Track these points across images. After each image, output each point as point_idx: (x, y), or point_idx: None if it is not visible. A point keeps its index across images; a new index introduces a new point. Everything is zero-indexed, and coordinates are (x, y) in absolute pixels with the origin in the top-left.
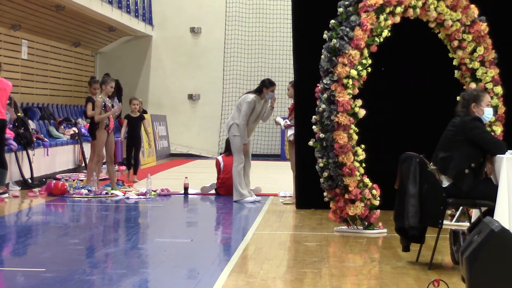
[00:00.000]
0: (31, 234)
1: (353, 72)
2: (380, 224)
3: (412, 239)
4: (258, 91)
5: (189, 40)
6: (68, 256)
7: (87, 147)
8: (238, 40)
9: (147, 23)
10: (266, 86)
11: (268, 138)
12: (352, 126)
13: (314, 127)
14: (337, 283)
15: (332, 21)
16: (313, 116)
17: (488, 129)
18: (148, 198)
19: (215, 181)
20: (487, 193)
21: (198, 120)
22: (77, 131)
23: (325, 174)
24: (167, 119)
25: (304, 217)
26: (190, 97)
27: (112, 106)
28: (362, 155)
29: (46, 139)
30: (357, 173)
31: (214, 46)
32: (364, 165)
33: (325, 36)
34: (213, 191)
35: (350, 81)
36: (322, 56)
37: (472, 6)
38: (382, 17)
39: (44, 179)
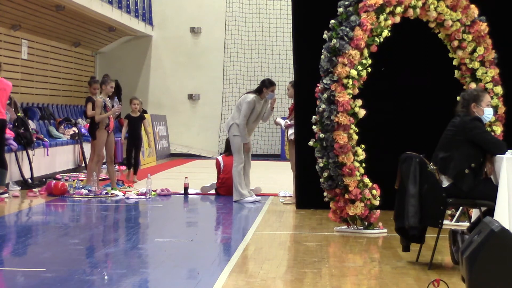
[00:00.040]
0: (31, 234)
1: (353, 72)
2: (380, 224)
3: (412, 239)
4: (258, 91)
5: (189, 40)
6: (68, 256)
7: (87, 147)
8: (238, 40)
9: (147, 23)
10: (266, 86)
11: (268, 138)
12: (352, 126)
13: (314, 127)
14: (337, 283)
15: (332, 21)
16: (313, 116)
17: (488, 129)
18: (148, 198)
19: (215, 181)
20: (487, 193)
21: (198, 120)
22: (77, 131)
23: (325, 174)
24: (167, 119)
25: (304, 217)
26: (190, 97)
27: (112, 106)
28: (362, 155)
29: (46, 139)
30: (357, 173)
31: (214, 46)
32: (364, 165)
33: (325, 36)
34: (213, 191)
35: (350, 81)
36: (322, 56)
37: (472, 6)
38: (382, 17)
39: (44, 179)
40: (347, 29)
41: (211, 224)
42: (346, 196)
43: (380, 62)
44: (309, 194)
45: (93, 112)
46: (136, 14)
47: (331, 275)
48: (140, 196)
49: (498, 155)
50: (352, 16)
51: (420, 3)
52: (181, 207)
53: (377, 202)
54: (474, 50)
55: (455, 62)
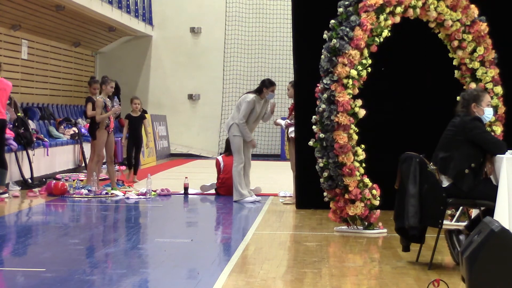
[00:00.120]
0: (31, 234)
1: (353, 72)
2: (380, 224)
3: (412, 239)
4: (258, 91)
5: (189, 40)
6: (68, 256)
7: (87, 147)
8: (238, 40)
9: (147, 23)
10: (266, 86)
11: (268, 138)
12: (352, 126)
13: (314, 127)
14: (337, 283)
15: (332, 21)
16: (313, 116)
17: (488, 129)
18: (148, 198)
19: (215, 181)
20: (487, 193)
21: (198, 120)
22: (77, 131)
23: (325, 174)
24: (167, 119)
25: (304, 217)
26: (190, 97)
27: (113, 106)
28: (362, 155)
29: (46, 139)
30: (357, 173)
31: (214, 46)
32: (364, 165)
33: (325, 36)
34: (213, 191)
35: (350, 81)
36: (322, 56)
37: (472, 6)
38: (382, 17)
39: (44, 179)
40: (347, 29)
41: (211, 224)
42: (346, 196)
43: (380, 62)
44: (309, 194)
45: (93, 112)
46: (136, 14)
47: (331, 275)
48: (140, 196)
49: (498, 155)
50: (352, 16)
51: (420, 3)
52: (181, 207)
53: (377, 202)
54: (474, 50)
55: (455, 62)
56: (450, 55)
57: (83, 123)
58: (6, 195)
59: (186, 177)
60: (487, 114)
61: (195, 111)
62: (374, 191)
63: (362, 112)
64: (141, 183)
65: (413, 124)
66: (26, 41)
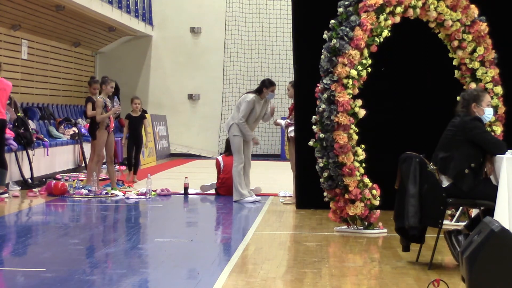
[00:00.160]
0: (31, 234)
1: (353, 72)
2: (380, 224)
3: (412, 239)
4: (258, 91)
5: (189, 40)
6: (68, 256)
7: (87, 147)
8: (238, 40)
9: (147, 23)
10: (266, 86)
11: (268, 138)
12: (352, 126)
13: (314, 127)
14: (337, 283)
15: (332, 21)
16: (313, 116)
17: (488, 129)
18: (148, 198)
19: (215, 181)
20: (487, 193)
21: (198, 120)
22: (77, 131)
23: (325, 174)
24: (167, 119)
25: (304, 217)
26: (190, 97)
27: (113, 106)
28: (362, 155)
29: (46, 139)
30: (357, 173)
31: (214, 46)
32: (364, 165)
33: (325, 36)
34: (213, 191)
35: (350, 81)
36: (322, 56)
37: (472, 6)
38: (382, 17)
39: (44, 179)
40: (347, 29)
41: (211, 224)
42: (346, 196)
43: (380, 62)
44: (309, 194)
45: (93, 112)
46: (136, 14)
47: (331, 275)
48: (140, 196)
49: (498, 155)
50: (352, 16)
51: (420, 3)
52: (181, 207)
53: (377, 202)
54: (474, 50)
55: (455, 62)
56: (450, 55)
57: (83, 123)
58: (6, 195)
59: (186, 177)
60: (487, 114)
61: (195, 111)
62: (374, 191)
63: (362, 112)
64: (141, 183)
65: (413, 124)
66: (26, 41)
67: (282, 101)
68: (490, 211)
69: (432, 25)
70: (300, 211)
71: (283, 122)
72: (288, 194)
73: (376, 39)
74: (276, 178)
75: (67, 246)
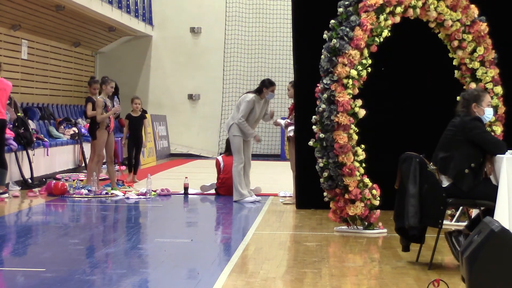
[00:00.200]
0: (31, 234)
1: (353, 72)
2: (380, 224)
3: (412, 239)
4: (258, 91)
5: (189, 40)
6: (68, 256)
7: (87, 147)
8: (238, 40)
9: (147, 23)
10: (266, 86)
11: (268, 138)
12: (352, 126)
13: (314, 127)
14: (337, 283)
15: (332, 21)
16: (313, 116)
17: (488, 129)
18: (148, 198)
19: (215, 181)
20: (487, 193)
21: (198, 120)
22: (77, 131)
23: (325, 174)
24: (167, 119)
25: (304, 217)
26: (190, 97)
27: (113, 105)
28: (362, 155)
29: (46, 139)
30: (357, 173)
31: (214, 46)
32: (364, 165)
33: (325, 36)
34: (213, 191)
35: (350, 81)
36: (322, 56)
37: (472, 6)
38: (382, 17)
39: (44, 179)
40: (347, 29)
41: (211, 224)
42: (346, 196)
43: (380, 62)
44: (309, 194)
45: (93, 112)
46: (136, 14)
47: (331, 275)
48: (140, 196)
49: (498, 155)
50: (352, 16)
51: (420, 3)
52: (181, 207)
53: (377, 202)
54: (474, 50)
55: (455, 62)
56: (450, 55)
57: (83, 123)
58: (6, 195)
59: (186, 177)
60: (487, 114)
61: (195, 111)
62: (374, 191)
63: (362, 112)
64: (141, 183)
65: (413, 124)
66: (26, 41)
67: (282, 101)
68: (490, 211)
69: (432, 25)
70: (300, 211)
71: (283, 122)
72: (288, 194)
73: (376, 39)
74: (276, 178)
75: (67, 246)
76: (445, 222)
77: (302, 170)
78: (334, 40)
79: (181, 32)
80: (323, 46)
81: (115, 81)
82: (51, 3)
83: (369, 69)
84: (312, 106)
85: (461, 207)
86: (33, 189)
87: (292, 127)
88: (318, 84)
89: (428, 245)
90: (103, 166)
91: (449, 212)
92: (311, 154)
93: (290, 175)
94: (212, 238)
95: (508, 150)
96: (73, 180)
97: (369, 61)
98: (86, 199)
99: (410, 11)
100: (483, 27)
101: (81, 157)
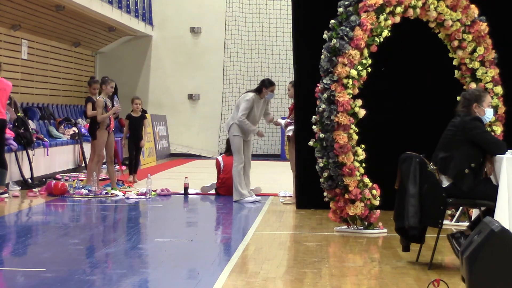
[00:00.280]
0: (31, 234)
1: (353, 72)
2: (380, 224)
3: (412, 239)
4: (258, 90)
5: (189, 40)
6: (68, 256)
7: (87, 147)
8: (238, 40)
9: (147, 23)
10: (265, 86)
11: (268, 138)
12: (352, 126)
13: (314, 127)
14: (337, 283)
15: (332, 21)
16: (313, 116)
17: (488, 129)
18: (148, 198)
19: (215, 181)
20: (487, 193)
21: (198, 120)
22: (77, 131)
23: (325, 174)
24: (167, 119)
25: (304, 217)
26: (190, 97)
27: (113, 105)
28: (362, 155)
29: (46, 139)
30: (357, 173)
31: (214, 46)
32: (364, 165)
33: (325, 36)
34: (213, 191)
35: (350, 81)
36: (322, 56)
37: (472, 6)
38: (382, 17)
39: (44, 179)
40: (347, 29)
41: (211, 224)
42: (346, 196)
43: (380, 62)
44: (309, 194)
45: (93, 112)
46: (136, 14)
47: (331, 275)
48: (140, 196)
49: (498, 155)
50: (352, 16)
51: (420, 3)
52: (181, 207)
53: (377, 202)
54: (474, 50)
55: (455, 62)
56: (450, 55)
57: (83, 123)
58: (6, 195)
59: (186, 177)
60: (488, 114)
61: (195, 111)
62: (374, 191)
63: (362, 112)
64: (141, 183)
65: (413, 124)
66: (26, 41)
67: (282, 101)
68: (490, 211)
69: (432, 25)
70: (300, 211)
71: (283, 122)
72: (288, 194)
73: (376, 39)
74: (276, 178)
75: (67, 246)
76: (445, 222)
77: (302, 170)
78: (334, 40)
79: (181, 32)
80: (323, 46)
81: (115, 81)
82: (51, 3)
83: (369, 69)
84: (312, 106)
85: (461, 207)
86: (33, 189)
87: (291, 127)
88: (318, 84)
89: (428, 245)
90: (103, 166)
91: (449, 212)
92: (311, 154)
93: (290, 175)
94: (212, 238)
95: (508, 150)
96: (73, 180)
97: (369, 61)
98: (86, 199)
99: (410, 11)
100: (483, 27)
101: (81, 157)
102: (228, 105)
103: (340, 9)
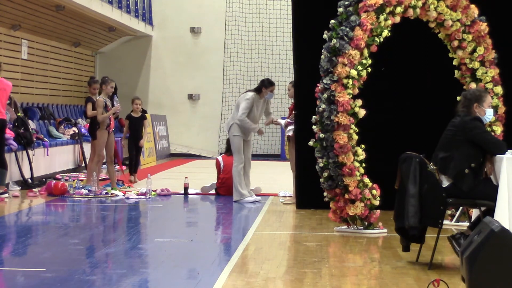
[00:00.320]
0: (31, 234)
1: (353, 72)
2: (380, 224)
3: (412, 239)
4: (258, 90)
5: (189, 40)
6: (68, 256)
7: (87, 147)
8: (238, 40)
9: (147, 23)
10: (265, 86)
11: (268, 138)
12: (352, 126)
13: (314, 127)
14: (337, 283)
15: (332, 21)
16: (313, 116)
17: (488, 129)
18: (148, 198)
19: (215, 181)
20: (487, 193)
21: (198, 120)
22: (77, 131)
23: (325, 174)
24: (167, 119)
25: (304, 217)
26: (190, 97)
27: (113, 105)
28: (362, 155)
29: (46, 139)
30: (357, 173)
31: (214, 46)
32: (364, 165)
33: (325, 36)
34: (213, 191)
35: (350, 81)
36: (322, 56)
37: (472, 6)
38: (382, 17)
39: (44, 179)
40: (347, 29)
41: (211, 224)
42: (346, 196)
43: (380, 62)
44: (309, 194)
45: (93, 112)
46: (136, 14)
47: (331, 275)
48: (140, 196)
49: (498, 155)
50: (352, 16)
51: (420, 3)
52: (181, 207)
53: (377, 202)
54: (474, 50)
55: (455, 62)
56: (450, 55)
57: (83, 123)
58: (6, 195)
59: (186, 177)
60: (488, 115)
61: (195, 111)
62: (374, 191)
63: (362, 112)
64: (141, 183)
65: (413, 124)
66: (26, 41)
67: (282, 101)
68: (490, 211)
69: (432, 25)
70: (300, 211)
71: (283, 122)
72: (288, 194)
73: (376, 39)
74: (276, 178)
75: (67, 246)
76: (445, 222)
77: (302, 170)
78: (334, 40)
79: (181, 32)
80: (323, 46)
81: (115, 81)
82: (51, 3)
83: (369, 69)
84: (312, 106)
85: (461, 207)
86: (33, 189)
87: (291, 127)
88: (318, 84)
89: (428, 245)
90: (103, 166)
91: (449, 212)
92: (311, 154)
93: (290, 175)
94: (212, 238)
95: (508, 150)
96: (73, 180)
97: (369, 61)
98: (86, 199)
99: (410, 11)
100: (483, 27)
101: (81, 157)
102: (228, 105)
103: (340, 9)
